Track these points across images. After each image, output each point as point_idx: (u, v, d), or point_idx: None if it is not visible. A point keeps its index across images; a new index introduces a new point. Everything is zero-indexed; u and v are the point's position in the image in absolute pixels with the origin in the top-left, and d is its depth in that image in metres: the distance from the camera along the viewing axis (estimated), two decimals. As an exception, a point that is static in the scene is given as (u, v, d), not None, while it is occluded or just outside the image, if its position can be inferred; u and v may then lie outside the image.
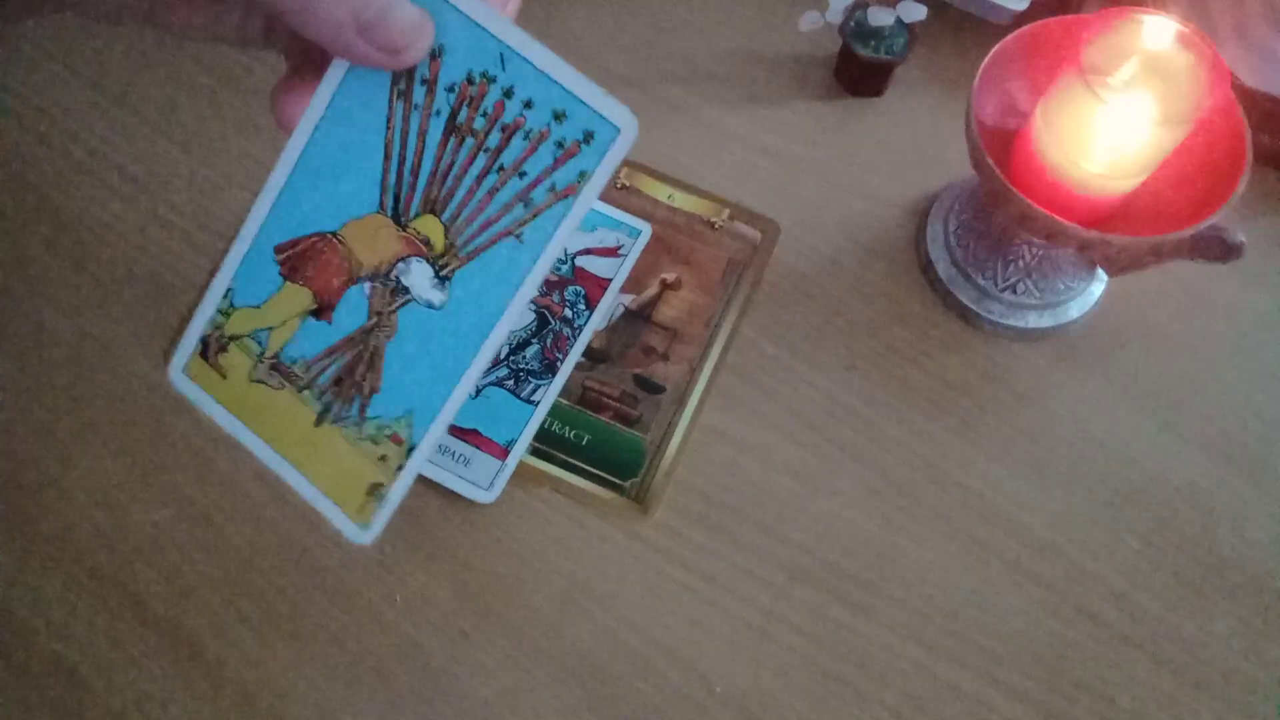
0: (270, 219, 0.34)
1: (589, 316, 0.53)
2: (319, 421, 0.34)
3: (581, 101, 0.30)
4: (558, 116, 0.30)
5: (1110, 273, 0.52)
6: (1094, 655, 0.48)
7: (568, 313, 0.53)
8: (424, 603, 0.49)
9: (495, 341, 0.32)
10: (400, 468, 0.33)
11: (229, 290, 0.35)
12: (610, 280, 0.54)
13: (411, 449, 0.33)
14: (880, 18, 0.55)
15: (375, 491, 0.34)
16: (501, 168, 0.31)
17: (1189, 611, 0.49)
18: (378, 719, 0.47)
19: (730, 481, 0.51)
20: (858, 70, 0.59)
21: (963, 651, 0.48)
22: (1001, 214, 0.49)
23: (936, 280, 0.54)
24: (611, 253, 0.55)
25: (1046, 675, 0.47)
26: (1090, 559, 0.49)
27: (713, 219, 0.56)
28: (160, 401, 0.52)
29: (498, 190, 0.31)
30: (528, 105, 0.30)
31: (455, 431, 0.50)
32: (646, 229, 0.55)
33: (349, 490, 0.34)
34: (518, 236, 0.31)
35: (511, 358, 0.52)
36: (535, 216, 0.31)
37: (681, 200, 0.57)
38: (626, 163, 0.57)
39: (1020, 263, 0.53)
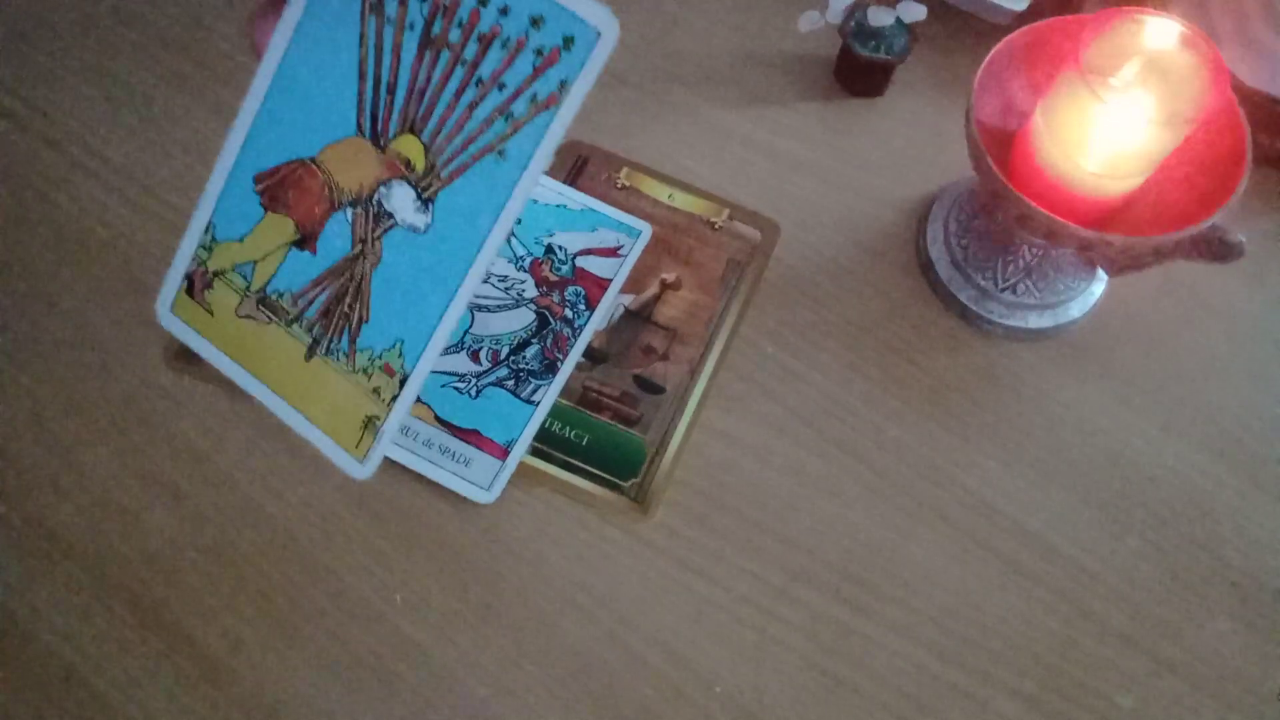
0: (246, 148, 0.33)
1: (589, 317, 0.53)
2: (309, 355, 0.33)
3: (559, 4, 0.28)
4: (535, 22, 0.29)
5: (1110, 273, 0.52)
6: (1094, 655, 0.48)
7: (568, 313, 0.53)
8: (424, 603, 0.49)
9: (483, 264, 0.31)
10: (394, 399, 0.33)
11: (210, 225, 0.34)
12: (610, 280, 0.54)
13: (404, 379, 0.32)
14: (880, 18, 0.55)
15: (370, 424, 0.33)
16: (480, 80, 0.30)
17: (1189, 611, 0.49)
18: (378, 719, 0.47)
19: (730, 481, 0.51)
20: (858, 70, 0.59)
21: (963, 651, 0.48)
22: (1001, 214, 0.49)
23: (936, 280, 0.54)
24: (611, 253, 0.55)
25: (1046, 675, 0.47)
26: (1090, 559, 0.49)
27: (713, 219, 0.56)
28: (161, 401, 0.52)
29: (477, 104, 0.30)
30: (504, 12, 0.29)
31: (455, 431, 0.50)
32: (646, 229, 0.55)
33: (344, 425, 0.33)
34: (500, 153, 0.30)
35: (511, 358, 0.52)
36: (517, 130, 0.30)
37: (681, 200, 0.57)
38: (627, 163, 0.57)
39: (1020, 263, 0.53)
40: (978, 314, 0.53)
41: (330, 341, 0.33)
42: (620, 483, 0.51)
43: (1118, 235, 0.44)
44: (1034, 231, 0.46)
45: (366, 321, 0.33)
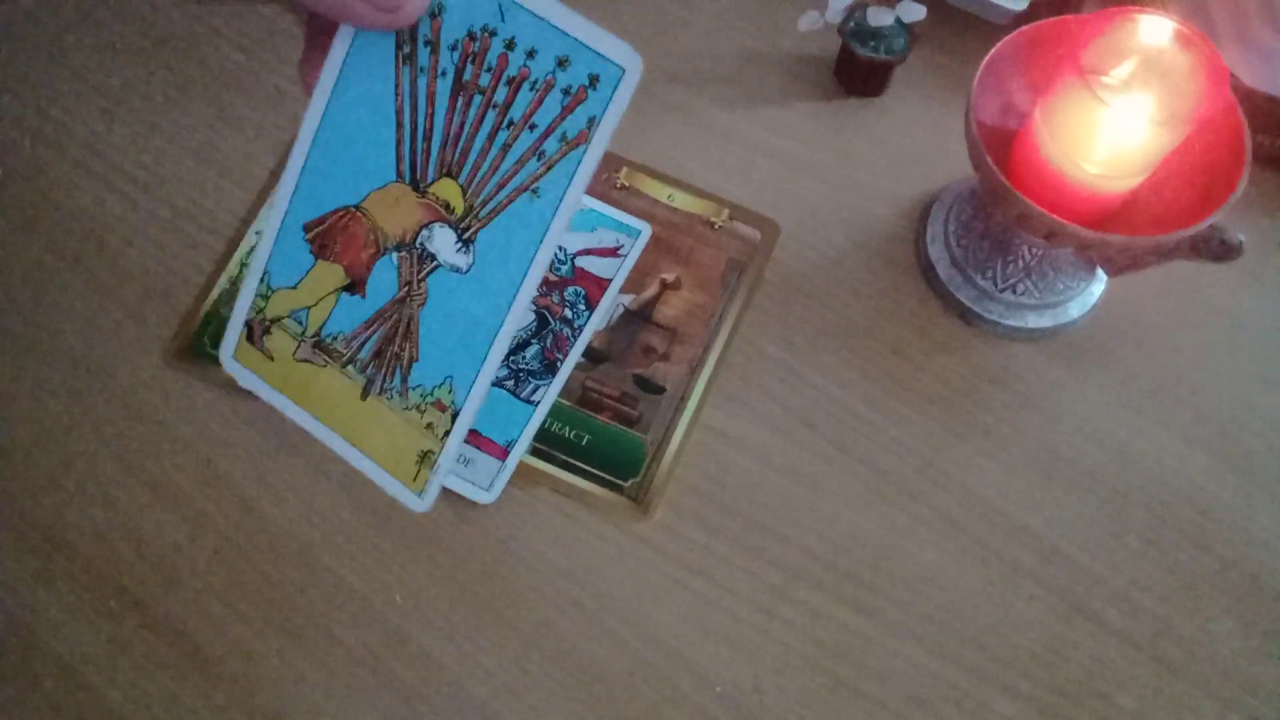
0: (295, 199, 0.34)
1: (589, 317, 0.53)
2: (365, 394, 0.35)
3: (583, 44, 0.29)
4: (561, 63, 0.30)
5: (1110, 272, 0.52)
6: (1094, 655, 0.48)
7: (568, 313, 0.53)
8: (424, 603, 0.49)
9: (524, 299, 0.32)
10: (447, 433, 0.34)
11: (265, 274, 0.35)
12: (610, 280, 0.54)
13: (456, 413, 0.33)
14: (880, 18, 0.55)
15: (426, 459, 0.34)
16: (511, 122, 0.31)
17: (1189, 611, 0.49)
18: (378, 719, 0.47)
19: (730, 481, 0.51)
20: (857, 70, 0.59)
21: (963, 651, 0.48)
22: (1001, 214, 0.49)
23: (936, 280, 0.54)
24: (611, 253, 0.55)
25: (1046, 675, 0.47)
26: (1090, 559, 0.49)
27: (713, 219, 0.56)
28: (160, 402, 0.52)
29: (510, 146, 0.31)
30: (530, 55, 0.30)
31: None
32: (646, 229, 0.55)
33: (402, 460, 0.35)
34: (534, 191, 0.31)
35: (511, 358, 0.52)
36: (549, 169, 0.31)
37: (681, 200, 0.57)
38: (627, 162, 0.57)
39: (1020, 262, 0.53)
40: (978, 314, 0.53)
41: (384, 381, 0.34)
42: (620, 482, 0.51)
43: (1117, 235, 0.44)
44: (1034, 231, 0.46)
45: (416, 360, 0.34)
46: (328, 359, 0.35)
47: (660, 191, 0.57)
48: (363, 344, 0.35)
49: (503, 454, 0.50)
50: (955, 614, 0.48)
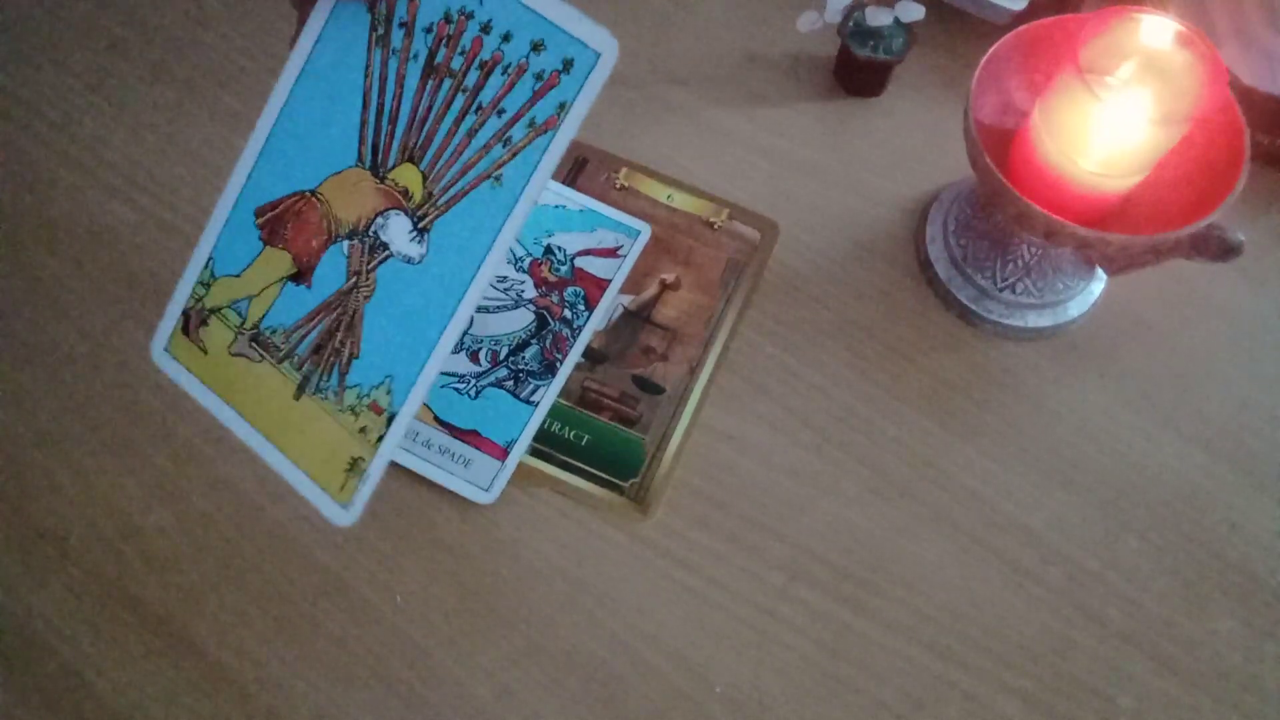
0: (251, 181, 0.33)
1: (588, 317, 0.53)
2: (299, 394, 0.33)
3: (560, 28, 0.29)
4: (536, 47, 0.29)
5: (1109, 272, 0.52)
6: (1094, 655, 0.48)
7: (567, 313, 0.53)
8: (424, 603, 0.49)
9: (474, 295, 0.31)
10: (380, 438, 0.32)
11: (209, 260, 0.34)
12: (610, 281, 0.54)
13: (391, 417, 0.32)
14: (878, 18, 0.55)
15: (356, 466, 0.33)
16: (480, 106, 0.30)
17: (1189, 611, 0.49)
18: (377, 719, 0.47)
19: (730, 481, 0.51)
20: (857, 70, 0.59)
21: (962, 651, 0.48)
22: (1000, 213, 0.49)
23: (936, 280, 0.54)
24: (611, 253, 0.55)
25: (1046, 675, 0.47)
26: (1090, 559, 0.49)
27: (712, 219, 0.56)
28: (160, 402, 0.52)
29: (476, 131, 0.30)
30: (506, 38, 0.29)
31: (455, 432, 0.51)
32: (646, 229, 0.55)
33: (330, 467, 0.33)
34: (496, 179, 0.30)
35: (511, 358, 0.52)
36: (514, 155, 0.30)
37: (681, 200, 0.57)
38: (626, 163, 0.57)
39: (1019, 262, 0.53)
40: (977, 313, 0.53)
41: (320, 379, 0.33)
42: (620, 483, 0.51)
43: (1116, 234, 0.44)
44: (1033, 230, 0.46)
45: (357, 357, 0.33)
46: (264, 354, 0.34)
47: (660, 192, 0.57)
48: (303, 338, 0.33)
49: (502, 454, 0.50)
50: (955, 614, 0.48)
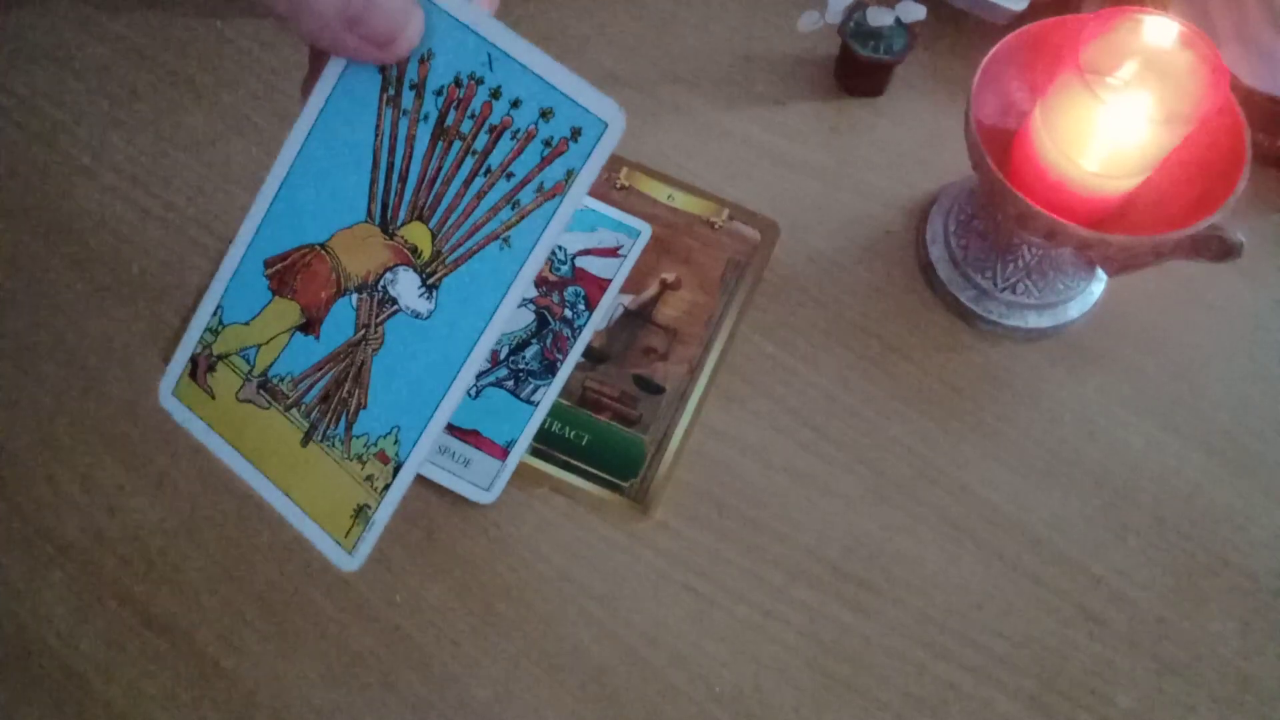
0: (260, 232, 0.34)
1: (589, 317, 0.53)
2: (305, 441, 0.34)
3: (569, 98, 0.29)
4: (545, 114, 0.30)
5: (1109, 272, 0.52)
6: (1094, 655, 0.48)
7: (567, 313, 0.53)
8: (424, 603, 0.49)
9: (480, 353, 0.31)
10: (386, 487, 0.33)
11: (218, 308, 0.35)
12: (610, 280, 0.54)
13: (398, 467, 0.33)
14: (879, 18, 0.55)
15: (362, 514, 0.33)
16: (489, 169, 0.31)
17: (1189, 611, 0.49)
18: (377, 719, 0.47)
19: (730, 481, 0.51)
20: (857, 70, 0.59)
21: (963, 651, 0.48)
22: (1001, 214, 0.49)
23: (936, 280, 0.54)
24: (611, 253, 0.55)
25: (1046, 675, 0.47)
26: (1090, 559, 0.49)
27: (712, 219, 0.56)
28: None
29: (485, 193, 0.31)
30: (515, 105, 0.30)
31: (455, 432, 0.50)
32: (646, 229, 0.55)
33: (335, 514, 0.34)
34: (505, 240, 0.31)
35: (511, 358, 0.52)
36: (523, 218, 0.31)
37: (681, 200, 0.57)
38: (626, 163, 0.57)
39: (1020, 262, 0.53)
40: (977, 314, 0.53)
41: (327, 427, 0.33)
42: (620, 483, 0.51)
43: (1117, 235, 0.44)
44: (1033, 231, 0.46)
45: (365, 407, 0.33)
46: (271, 401, 0.34)
47: (660, 192, 0.57)
48: (310, 387, 0.34)
49: (503, 454, 0.50)
50: (955, 614, 0.48)
